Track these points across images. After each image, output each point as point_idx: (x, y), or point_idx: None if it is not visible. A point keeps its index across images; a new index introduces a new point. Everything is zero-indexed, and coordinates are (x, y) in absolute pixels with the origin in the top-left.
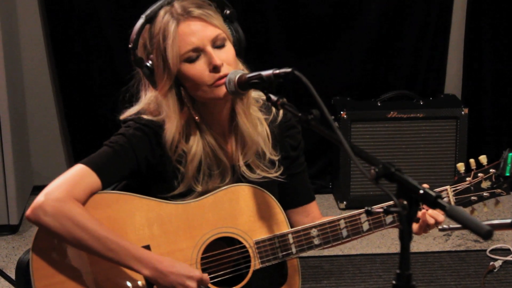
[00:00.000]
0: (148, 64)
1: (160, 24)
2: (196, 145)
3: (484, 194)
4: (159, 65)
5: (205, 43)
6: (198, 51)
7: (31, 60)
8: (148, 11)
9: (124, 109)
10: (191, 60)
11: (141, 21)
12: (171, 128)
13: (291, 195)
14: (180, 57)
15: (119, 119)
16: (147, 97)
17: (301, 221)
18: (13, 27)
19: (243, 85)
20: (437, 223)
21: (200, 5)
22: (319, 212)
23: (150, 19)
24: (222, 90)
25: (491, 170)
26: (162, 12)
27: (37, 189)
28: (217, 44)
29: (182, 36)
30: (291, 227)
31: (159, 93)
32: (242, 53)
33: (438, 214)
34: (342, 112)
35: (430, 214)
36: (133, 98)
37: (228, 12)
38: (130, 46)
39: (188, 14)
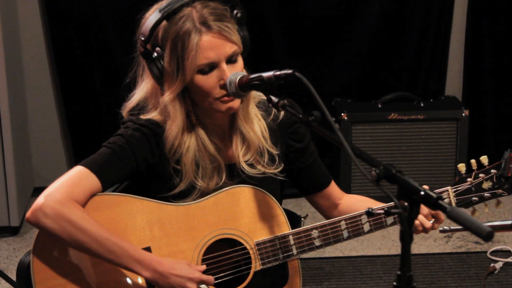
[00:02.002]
0: (155, 55)
1: (180, 29)
2: (189, 140)
3: (485, 194)
4: (173, 70)
5: (221, 59)
6: (213, 66)
7: (31, 60)
8: (166, 7)
9: (124, 101)
10: (204, 72)
11: (158, 15)
12: (175, 129)
13: (311, 182)
14: (195, 68)
15: (121, 114)
16: (146, 88)
17: (325, 204)
18: (14, 27)
19: (244, 87)
20: (425, 229)
21: (220, 16)
22: (339, 191)
23: (168, 16)
24: (227, 105)
25: (492, 171)
26: (183, 15)
27: (38, 191)
28: (232, 60)
29: (202, 49)
30: (317, 210)
31: (167, 97)
32: (245, 55)
33: (426, 221)
34: (342, 114)
35: (419, 220)
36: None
37: (239, 14)
38: (142, 38)
39: (209, 28)
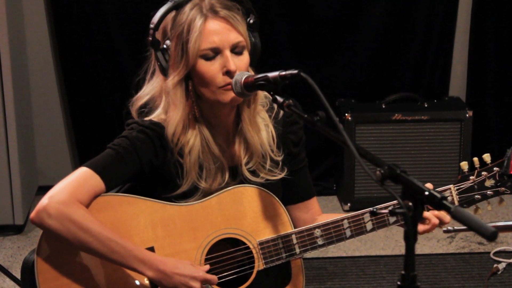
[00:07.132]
0: (164, 47)
1: (186, 16)
2: (193, 138)
3: (488, 192)
4: (177, 54)
5: (225, 45)
6: (217, 52)
7: (37, 60)
8: None
9: (132, 97)
10: (208, 58)
11: (168, 5)
12: (175, 117)
13: (292, 190)
14: (198, 52)
15: (128, 109)
16: (155, 84)
17: (302, 217)
18: (19, 27)
19: (250, 87)
20: (441, 223)
21: (229, 7)
22: (319, 208)
23: (178, 6)
24: (229, 95)
25: (495, 169)
26: (191, 4)
27: (42, 189)
28: (236, 51)
29: (206, 33)
30: (292, 223)
31: (170, 82)
32: (255, 63)
33: (445, 215)
34: (346, 114)
35: (437, 215)
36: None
37: (252, 21)
38: (151, 26)
39: (215, 13)
